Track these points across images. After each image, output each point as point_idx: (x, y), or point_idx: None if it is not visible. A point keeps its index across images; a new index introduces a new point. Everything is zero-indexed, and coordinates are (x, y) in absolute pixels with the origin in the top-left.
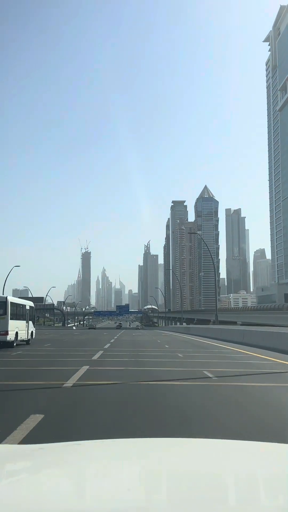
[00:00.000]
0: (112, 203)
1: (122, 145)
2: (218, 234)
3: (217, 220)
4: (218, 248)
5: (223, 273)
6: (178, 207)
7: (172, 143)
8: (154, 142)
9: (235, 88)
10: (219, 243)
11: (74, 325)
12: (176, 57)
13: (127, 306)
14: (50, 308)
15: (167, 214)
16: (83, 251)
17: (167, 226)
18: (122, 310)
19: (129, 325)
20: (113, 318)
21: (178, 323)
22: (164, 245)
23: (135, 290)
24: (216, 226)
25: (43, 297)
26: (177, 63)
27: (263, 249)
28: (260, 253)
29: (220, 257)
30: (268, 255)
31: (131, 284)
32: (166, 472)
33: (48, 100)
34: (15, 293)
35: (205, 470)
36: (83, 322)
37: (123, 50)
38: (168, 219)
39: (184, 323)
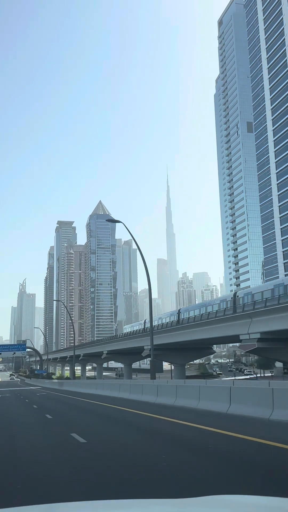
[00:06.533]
0: None
1: None
2: (115, 259)
3: (115, 242)
4: (116, 275)
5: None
6: (65, 228)
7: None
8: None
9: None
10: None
11: None
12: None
13: None
14: None
15: (50, 242)
16: None
17: (50, 255)
18: None
19: None
20: None
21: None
22: (46, 276)
23: (6, 337)
24: (113, 249)
25: None
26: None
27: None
28: (145, 293)
29: (116, 288)
30: (154, 294)
31: (2, 330)
32: None
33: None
34: None
35: None
36: None
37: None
38: (51, 246)
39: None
